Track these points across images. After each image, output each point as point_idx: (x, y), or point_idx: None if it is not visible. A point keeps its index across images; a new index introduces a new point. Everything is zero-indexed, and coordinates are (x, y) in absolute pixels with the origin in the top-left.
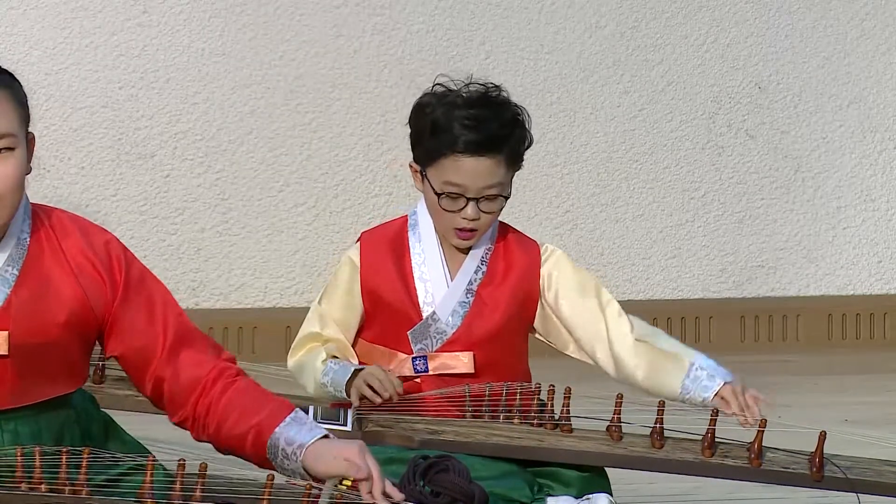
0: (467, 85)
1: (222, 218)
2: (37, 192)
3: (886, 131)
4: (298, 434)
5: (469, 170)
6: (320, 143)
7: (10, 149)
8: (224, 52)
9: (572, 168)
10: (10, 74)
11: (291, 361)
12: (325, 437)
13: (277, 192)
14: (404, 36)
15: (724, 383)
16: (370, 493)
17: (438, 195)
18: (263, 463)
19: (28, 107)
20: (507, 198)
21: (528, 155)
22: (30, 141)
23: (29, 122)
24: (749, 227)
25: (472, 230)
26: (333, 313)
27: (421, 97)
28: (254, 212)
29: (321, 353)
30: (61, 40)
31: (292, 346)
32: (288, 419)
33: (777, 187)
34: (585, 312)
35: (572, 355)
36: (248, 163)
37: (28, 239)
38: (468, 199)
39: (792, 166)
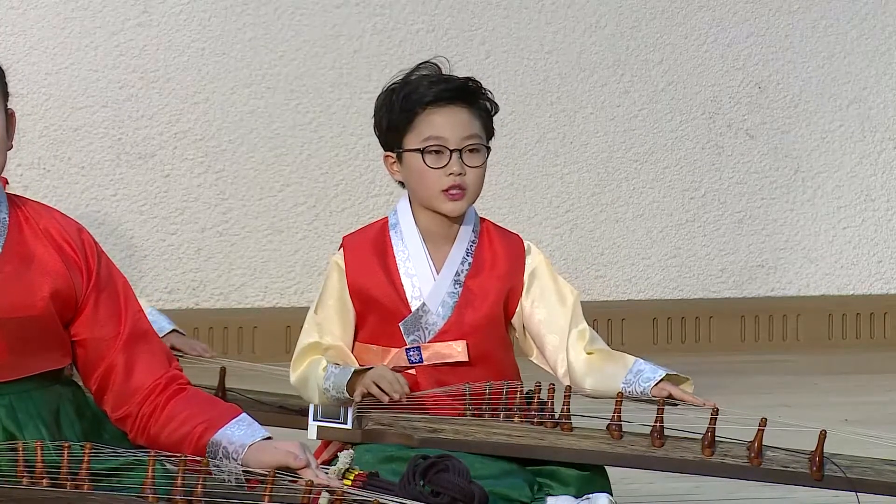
0: (418, 66)
1: (222, 218)
2: (37, 192)
3: (886, 131)
4: (243, 435)
5: (445, 120)
6: (320, 143)
7: None
8: (224, 51)
9: (572, 168)
10: None
11: (294, 377)
12: (268, 438)
13: (277, 192)
14: (404, 36)
15: (666, 374)
16: (312, 478)
17: (422, 152)
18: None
19: (6, 83)
20: (489, 150)
21: (527, 155)
22: (10, 116)
23: (8, 97)
24: (749, 226)
25: (460, 188)
26: (330, 320)
27: (379, 95)
28: (254, 212)
29: (321, 361)
30: (61, 40)
31: (293, 360)
32: (233, 421)
33: (777, 187)
34: (561, 321)
35: (534, 361)
36: (248, 163)
37: (7, 218)
38: (451, 152)
39: (792, 166)
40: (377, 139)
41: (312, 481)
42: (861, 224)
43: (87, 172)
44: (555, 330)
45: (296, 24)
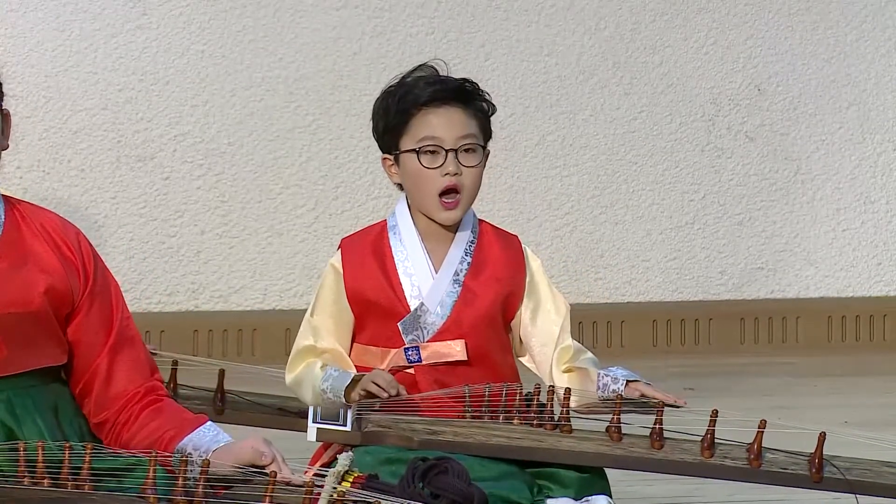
0: (417, 68)
1: (222, 220)
2: (37, 194)
3: (886, 133)
4: (208, 440)
5: (440, 120)
6: (320, 146)
7: None
8: (223, 54)
9: (572, 170)
10: None
11: (290, 378)
12: (231, 442)
13: (277, 194)
14: (404, 38)
15: (627, 382)
16: (280, 472)
17: (418, 153)
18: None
19: (0, 83)
20: (485, 151)
21: (527, 157)
22: (5, 116)
23: (2, 98)
24: (749, 229)
25: (456, 191)
26: (326, 324)
27: (376, 99)
28: (253, 214)
29: (318, 363)
30: (61, 42)
31: (289, 362)
32: (200, 429)
33: (776, 189)
34: (555, 333)
35: (526, 364)
36: (247, 165)
37: (3, 216)
38: (447, 152)
39: (791, 168)
40: (376, 142)
41: (276, 472)
42: (861, 226)
43: (87, 175)
44: (548, 341)
45: (295, 26)
